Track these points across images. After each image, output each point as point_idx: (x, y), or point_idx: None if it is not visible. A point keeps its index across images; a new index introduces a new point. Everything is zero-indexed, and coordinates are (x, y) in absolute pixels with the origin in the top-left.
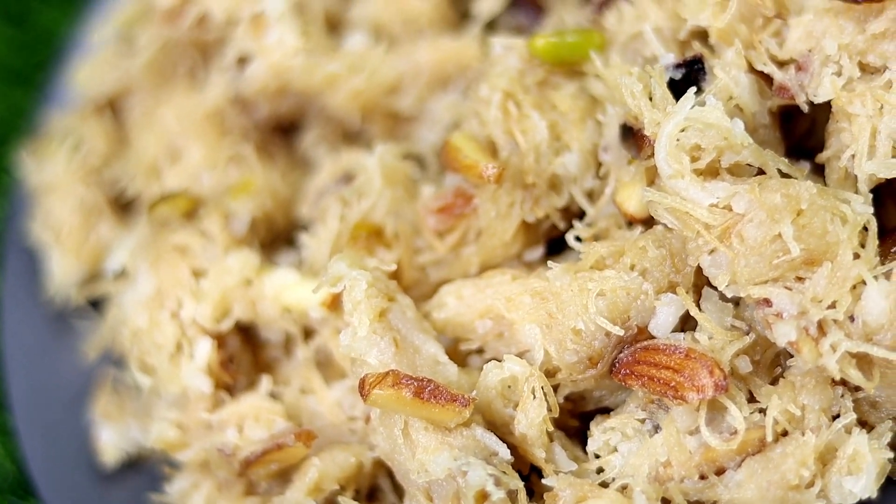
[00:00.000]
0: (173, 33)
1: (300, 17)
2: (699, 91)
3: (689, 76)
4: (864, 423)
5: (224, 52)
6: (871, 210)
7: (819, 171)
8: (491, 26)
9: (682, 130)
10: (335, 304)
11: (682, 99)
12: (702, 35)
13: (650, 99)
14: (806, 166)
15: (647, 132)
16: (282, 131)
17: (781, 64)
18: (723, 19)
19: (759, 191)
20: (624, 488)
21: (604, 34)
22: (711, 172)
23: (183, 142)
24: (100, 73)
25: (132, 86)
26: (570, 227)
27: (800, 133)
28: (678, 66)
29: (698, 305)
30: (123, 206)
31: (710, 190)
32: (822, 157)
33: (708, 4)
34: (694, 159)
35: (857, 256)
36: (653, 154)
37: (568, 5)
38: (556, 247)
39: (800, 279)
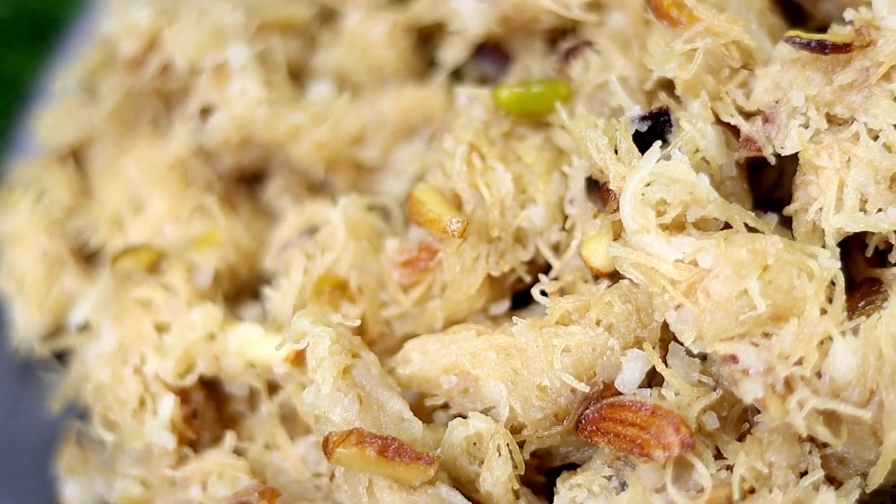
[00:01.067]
0: (136, 82)
1: (263, 67)
2: (665, 143)
3: (656, 128)
4: (832, 480)
5: (188, 102)
6: (839, 264)
7: (787, 224)
8: (456, 75)
9: (648, 185)
10: (299, 360)
11: (647, 153)
12: (668, 85)
13: (616, 152)
14: (774, 218)
15: (612, 186)
16: (246, 181)
17: (748, 115)
18: (689, 71)
19: (724, 246)
20: None
21: (570, 84)
22: (677, 227)
23: (146, 192)
24: (63, 122)
25: (95, 135)
26: (537, 280)
27: (768, 184)
28: (644, 118)
29: (665, 361)
30: (87, 257)
31: (675, 245)
32: (789, 210)
33: (674, 55)
34: (660, 214)
35: (824, 312)
36: (618, 208)
37: (534, 53)
38: (522, 299)
39: (766, 335)
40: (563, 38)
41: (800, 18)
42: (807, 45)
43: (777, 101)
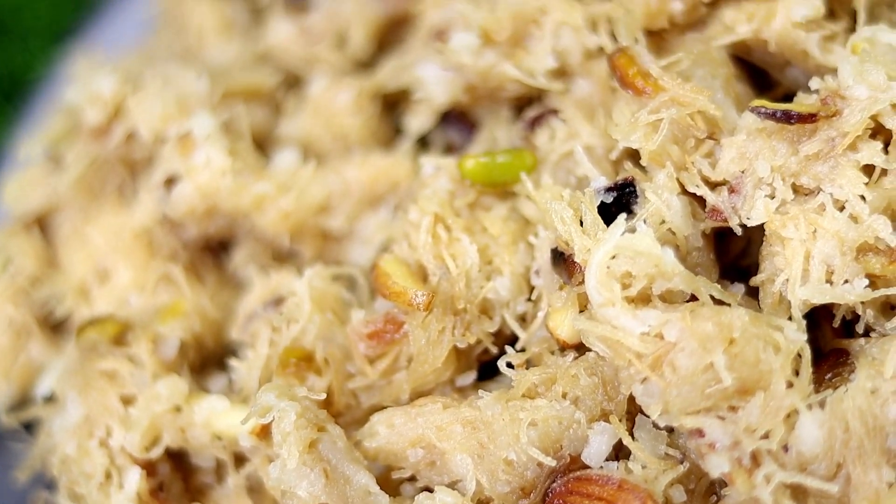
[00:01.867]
0: (101, 150)
1: (228, 136)
2: (631, 214)
3: (621, 199)
4: None
5: (153, 170)
6: (805, 337)
7: (755, 294)
8: (423, 142)
9: (613, 258)
10: (265, 433)
11: (612, 225)
12: (635, 154)
13: (581, 224)
14: (741, 289)
15: (577, 259)
16: (211, 250)
17: (714, 185)
18: (654, 141)
19: (690, 319)
20: None
21: (535, 153)
22: (643, 299)
23: (111, 262)
24: (28, 190)
25: (61, 203)
26: (503, 351)
27: (735, 252)
28: (609, 189)
29: (632, 433)
30: (54, 327)
31: (641, 318)
32: (756, 281)
33: (639, 126)
34: (625, 286)
35: (790, 385)
36: (584, 281)
37: (500, 121)
38: (489, 369)
39: (733, 409)
40: (529, 105)
41: (767, 85)
42: (772, 116)
43: (743, 172)
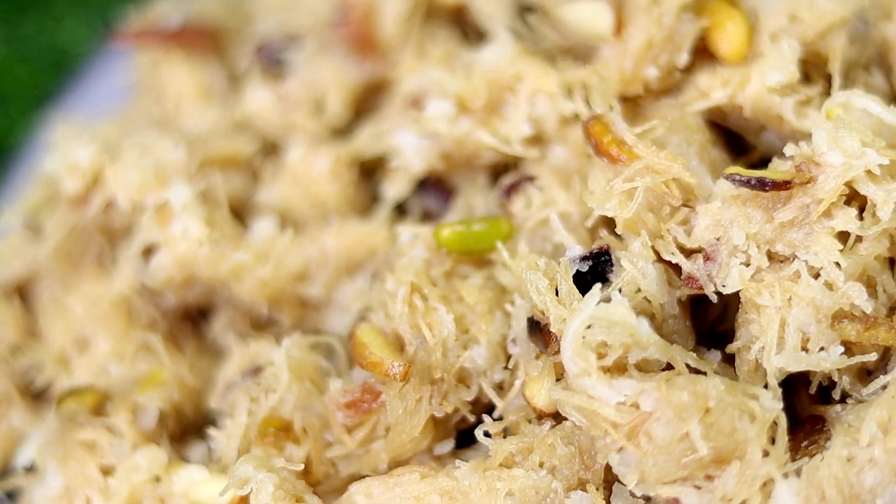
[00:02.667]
0: (80, 219)
1: (205, 205)
2: (607, 283)
3: (597, 268)
4: None
5: (132, 239)
6: (781, 405)
7: (731, 360)
8: (400, 208)
9: (588, 327)
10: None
11: (587, 295)
12: (610, 221)
13: (556, 294)
14: (717, 356)
15: (553, 329)
16: (190, 318)
17: (690, 253)
18: (629, 210)
19: (666, 389)
20: None
21: (511, 221)
22: (619, 369)
23: (91, 331)
24: (7, 259)
25: (40, 271)
26: (480, 419)
27: (712, 318)
28: (585, 258)
29: (609, 502)
30: (34, 396)
31: (617, 387)
32: (732, 348)
33: (614, 194)
34: (601, 356)
35: (766, 454)
36: (560, 350)
37: (477, 188)
38: (467, 437)
39: (709, 478)
40: (505, 172)
41: (743, 149)
42: (746, 183)
43: (718, 239)
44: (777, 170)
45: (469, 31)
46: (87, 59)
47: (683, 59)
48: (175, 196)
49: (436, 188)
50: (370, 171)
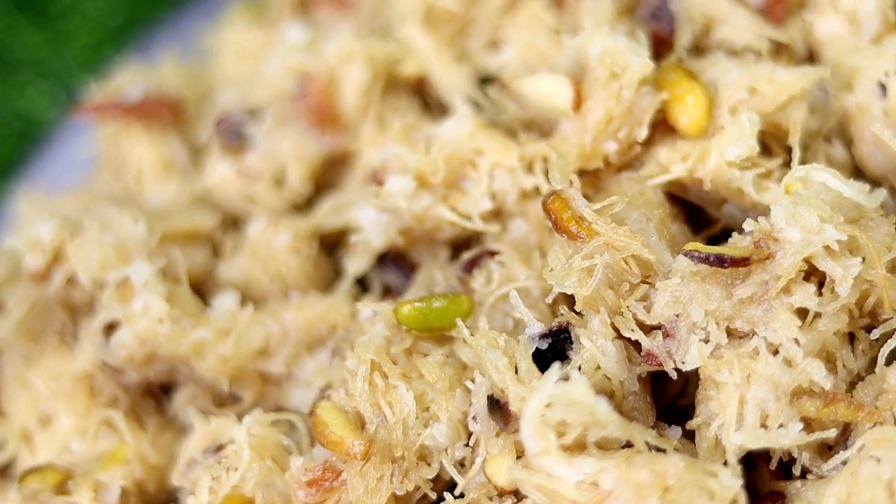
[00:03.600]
0: (42, 295)
1: (166, 282)
2: (567, 360)
3: (556, 346)
4: None
5: (94, 315)
6: (740, 483)
7: (692, 436)
8: (361, 283)
9: (548, 406)
10: None
11: (546, 374)
12: (571, 297)
13: (516, 371)
14: (677, 432)
15: (513, 407)
16: (153, 394)
17: (649, 329)
18: (588, 287)
19: (625, 467)
20: None
21: (472, 297)
22: (579, 447)
23: (53, 407)
24: None
25: (2, 347)
26: (442, 497)
27: (673, 392)
28: (544, 335)
29: None
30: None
31: (577, 466)
32: (692, 425)
33: (573, 272)
34: (560, 434)
35: None
36: (519, 429)
37: (438, 262)
38: None
39: None
40: (467, 246)
41: (704, 221)
42: (705, 260)
43: (677, 316)
44: (736, 246)
45: (430, 101)
46: (50, 130)
47: (643, 133)
48: (135, 273)
49: (396, 263)
50: (332, 244)
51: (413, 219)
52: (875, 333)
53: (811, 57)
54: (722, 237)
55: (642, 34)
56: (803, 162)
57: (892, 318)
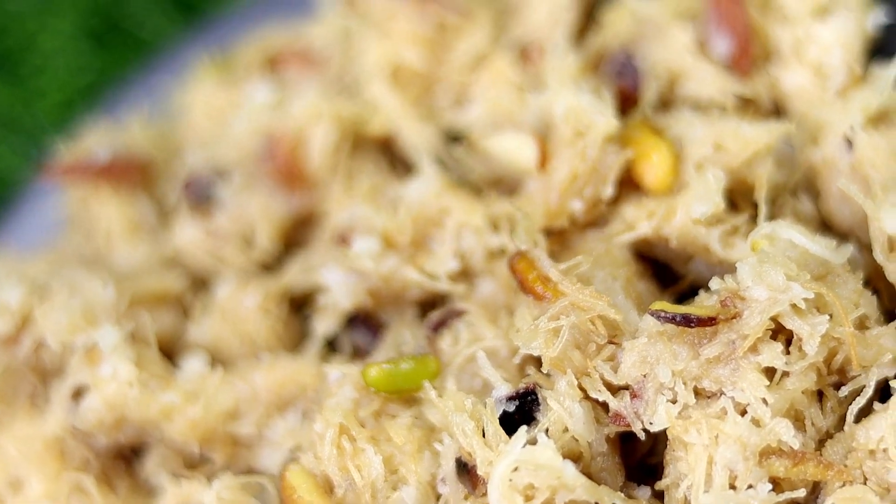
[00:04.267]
0: (12, 359)
1: (134, 346)
2: (534, 422)
3: (524, 408)
4: None
5: (63, 379)
6: None
7: (661, 496)
8: (331, 343)
9: (515, 470)
10: None
11: (513, 438)
12: (538, 358)
13: (484, 435)
14: (646, 493)
15: (480, 471)
16: (123, 457)
17: (617, 390)
18: (555, 348)
19: None
20: None
21: (439, 358)
22: None
23: (24, 472)
24: None
25: None
26: None
27: (642, 452)
28: (511, 398)
29: None
30: None
31: None
32: (661, 485)
33: (539, 333)
34: (528, 498)
35: None
36: (487, 492)
37: (407, 322)
38: None
39: None
40: (435, 306)
41: (672, 278)
42: (672, 320)
43: (645, 376)
44: (702, 305)
45: (398, 160)
46: (20, 190)
47: (608, 191)
48: (103, 338)
49: (365, 324)
50: (301, 304)
51: (380, 280)
52: (844, 391)
53: (777, 110)
54: (690, 293)
55: (607, 91)
56: (770, 217)
57: (860, 375)
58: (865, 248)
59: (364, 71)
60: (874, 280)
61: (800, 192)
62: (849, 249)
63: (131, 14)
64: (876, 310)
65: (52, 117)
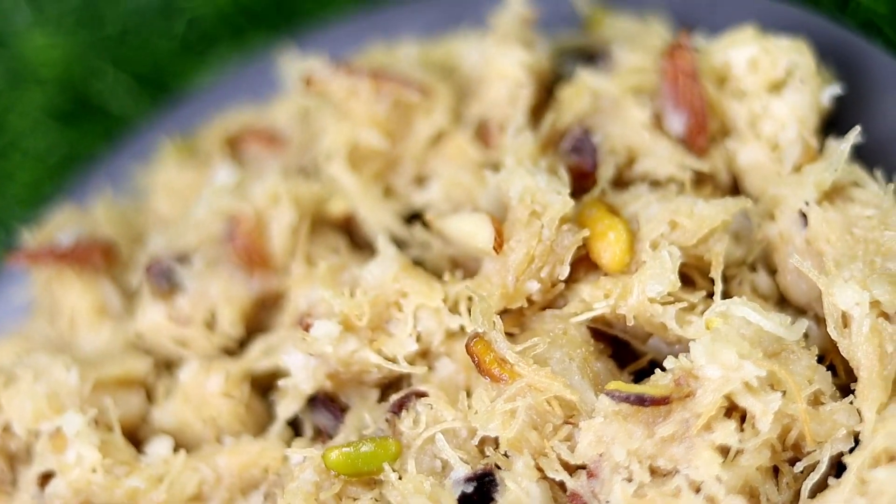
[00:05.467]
0: None
1: (99, 430)
2: (492, 502)
3: (482, 489)
4: None
5: (31, 462)
6: None
7: None
8: (294, 424)
9: None
10: None
11: None
12: (497, 439)
13: None
14: None
15: None
16: None
17: (574, 469)
18: (511, 429)
19: None
20: None
21: (399, 440)
22: None
23: None
24: None
25: None
26: None
27: None
28: (469, 479)
29: None
30: None
31: None
32: None
33: (496, 414)
34: None
35: None
36: None
37: (368, 403)
38: None
39: None
40: (396, 386)
41: (631, 355)
42: (626, 399)
43: (601, 455)
44: (657, 384)
45: (358, 239)
46: None
47: (565, 271)
48: (68, 424)
49: (326, 405)
50: (265, 385)
51: (339, 363)
52: (799, 466)
53: (736, 185)
54: (650, 369)
55: (563, 170)
56: (729, 293)
57: (814, 450)
58: (822, 322)
59: (322, 150)
60: (830, 354)
61: (759, 266)
62: (803, 325)
63: (100, 91)
64: (830, 385)
65: (22, 198)
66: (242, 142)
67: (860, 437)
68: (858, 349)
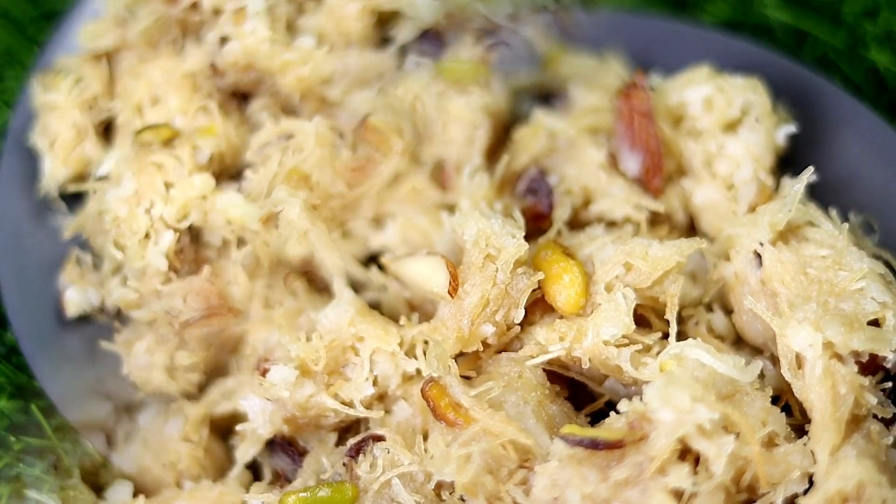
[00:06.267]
0: (168, 12)
1: (269, 17)
2: None
3: None
4: None
5: (203, 32)
6: None
7: None
8: (254, 467)
9: None
10: (269, 221)
11: None
12: (453, 482)
13: None
14: None
15: None
16: (236, 97)
17: None
18: (467, 474)
19: None
20: None
21: (356, 484)
22: None
23: (163, 92)
24: (101, 32)
25: (127, 45)
26: None
27: None
28: None
29: None
30: (105, 133)
31: None
32: None
33: (452, 458)
34: None
35: None
36: None
37: (326, 447)
38: None
39: None
40: (355, 429)
41: (588, 396)
42: (580, 443)
43: (556, 499)
44: (611, 428)
45: (317, 282)
46: None
47: (520, 315)
48: (251, 4)
49: (285, 449)
50: (224, 429)
51: (297, 408)
52: None
53: (692, 223)
54: (607, 410)
55: (518, 212)
56: (684, 333)
57: (769, 492)
58: (778, 362)
59: (280, 194)
60: (785, 394)
61: (715, 306)
62: (757, 367)
63: None
64: (785, 426)
65: None
66: None
67: (814, 479)
68: (811, 391)
